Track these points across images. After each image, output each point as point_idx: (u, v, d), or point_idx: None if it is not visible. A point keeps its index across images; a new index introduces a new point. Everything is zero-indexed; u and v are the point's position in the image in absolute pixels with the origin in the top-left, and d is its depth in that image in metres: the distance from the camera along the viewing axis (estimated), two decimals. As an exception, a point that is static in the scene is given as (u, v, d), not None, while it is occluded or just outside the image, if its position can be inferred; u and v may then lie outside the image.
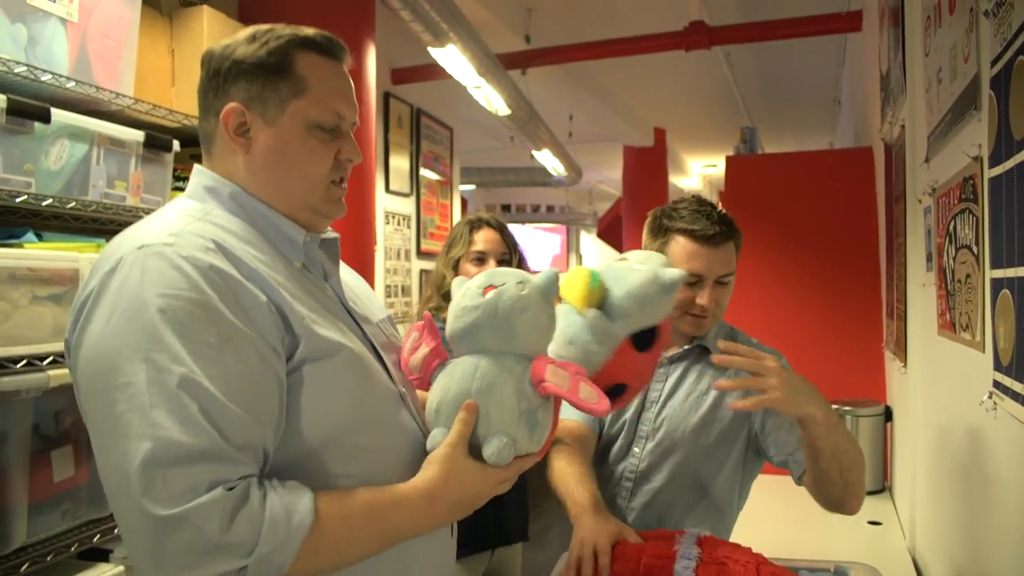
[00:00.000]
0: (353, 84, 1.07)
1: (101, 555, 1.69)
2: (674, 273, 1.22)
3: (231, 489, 0.81)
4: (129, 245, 0.89)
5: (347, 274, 1.18)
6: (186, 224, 0.93)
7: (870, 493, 2.66)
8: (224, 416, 0.82)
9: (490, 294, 1.02)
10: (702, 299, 1.45)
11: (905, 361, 2.26)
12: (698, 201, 1.51)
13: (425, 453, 1.05)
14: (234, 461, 0.82)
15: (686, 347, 1.54)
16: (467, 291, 1.05)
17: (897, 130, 2.26)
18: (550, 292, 1.05)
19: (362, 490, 0.93)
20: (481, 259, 2.02)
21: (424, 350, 1.07)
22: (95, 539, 1.63)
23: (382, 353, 1.07)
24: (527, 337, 1.03)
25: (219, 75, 1.01)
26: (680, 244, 1.46)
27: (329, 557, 0.88)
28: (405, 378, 1.11)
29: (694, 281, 1.45)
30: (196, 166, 1.06)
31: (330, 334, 0.96)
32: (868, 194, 3.27)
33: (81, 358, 0.87)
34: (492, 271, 1.08)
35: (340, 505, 0.89)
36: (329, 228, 1.11)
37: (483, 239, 2.04)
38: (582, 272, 1.23)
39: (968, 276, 1.32)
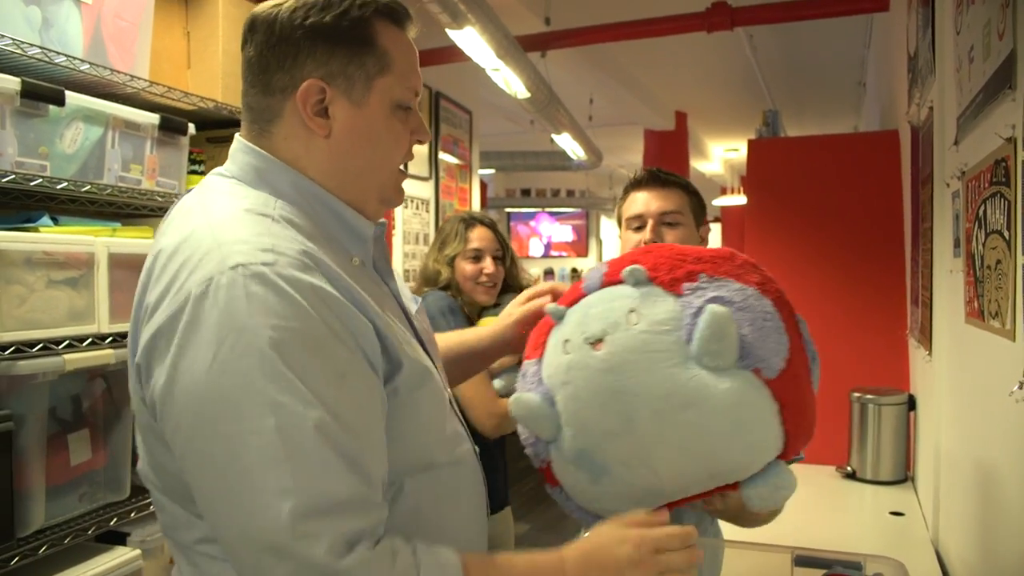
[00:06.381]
0: None
1: (119, 538, 1.69)
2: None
3: (377, 544, 0.76)
4: (217, 262, 0.78)
5: None
6: (267, 229, 0.82)
7: (893, 483, 2.62)
8: (362, 456, 0.77)
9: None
10: (644, 236, 1.49)
11: (930, 349, 2.22)
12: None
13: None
14: (377, 506, 0.78)
15: None
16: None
17: (925, 112, 2.21)
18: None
19: (503, 556, 0.87)
20: (477, 257, 2.09)
21: None
22: (112, 522, 1.64)
23: (435, 360, 0.99)
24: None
25: (286, 44, 0.87)
26: (627, 199, 1.57)
27: None
28: (443, 374, 1.05)
29: (639, 225, 1.51)
30: (238, 138, 0.93)
31: (419, 357, 0.90)
32: (893, 178, 3.21)
33: (179, 396, 0.77)
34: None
35: (484, 564, 0.85)
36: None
37: (478, 237, 2.11)
38: None
39: (998, 262, 1.28)
